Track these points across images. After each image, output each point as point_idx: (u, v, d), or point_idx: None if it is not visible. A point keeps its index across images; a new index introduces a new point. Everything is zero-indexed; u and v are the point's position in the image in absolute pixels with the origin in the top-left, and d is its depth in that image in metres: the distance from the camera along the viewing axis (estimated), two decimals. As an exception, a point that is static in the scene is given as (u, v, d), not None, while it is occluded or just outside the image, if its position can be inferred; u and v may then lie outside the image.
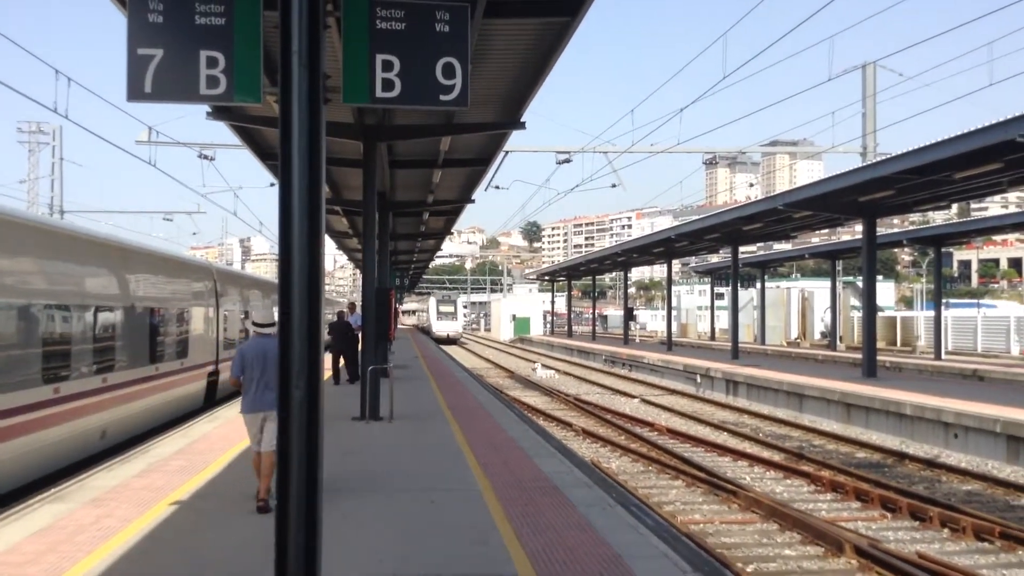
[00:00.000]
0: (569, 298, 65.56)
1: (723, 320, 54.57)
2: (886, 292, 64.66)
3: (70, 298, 10.91)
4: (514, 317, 74.06)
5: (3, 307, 9.11)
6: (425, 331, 69.29)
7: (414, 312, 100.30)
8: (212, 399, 18.58)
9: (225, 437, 11.82)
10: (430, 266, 68.07)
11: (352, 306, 21.53)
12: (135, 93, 4.01)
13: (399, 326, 57.00)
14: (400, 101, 4.06)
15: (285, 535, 3.23)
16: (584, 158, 29.14)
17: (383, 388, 13.79)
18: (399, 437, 11.85)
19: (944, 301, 34.97)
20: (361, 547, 6.31)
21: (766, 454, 14.79)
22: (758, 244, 56.36)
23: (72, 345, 10.84)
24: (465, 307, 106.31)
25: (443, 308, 64.55)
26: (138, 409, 13.61)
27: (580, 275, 62.77)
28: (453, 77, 4.07)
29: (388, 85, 4.02)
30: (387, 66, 4.00)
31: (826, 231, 54.52)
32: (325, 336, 36.40)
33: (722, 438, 16.84)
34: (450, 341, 60.26)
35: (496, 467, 9.57)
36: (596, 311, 66.32)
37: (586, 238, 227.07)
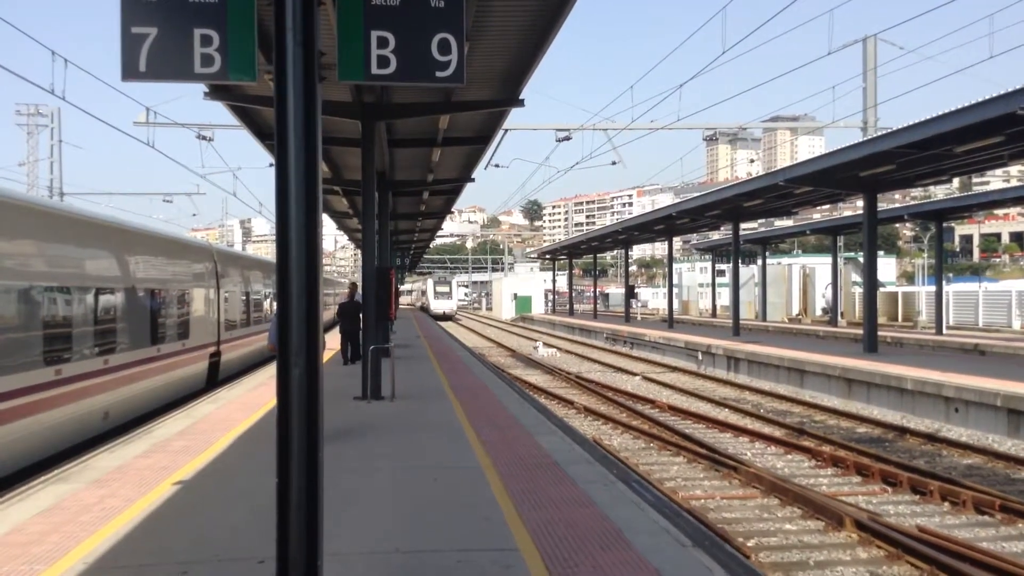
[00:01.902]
0: (570, 277, 65.63)
1: (724, 297, 54.61)
2: (887, 267, 64.65)
3: (71, 280, 10.91)
4: (515, 296, 74.47)
5: (4, 290, 9.11)
6: (424, 309, 74.21)
7: (411, 292, 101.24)
8: (214, 380, 18.63)
9: (227, 418, 11.85)
10: (431, 246, 69.39)
11: (353, 286, 21.38)
12: (130, 72, 3.98)
13: (400, 306, 58.14)
14: (396, 78, 4.03)
15: (286, 513, 3.25)
16: (584, 136, 29.16)
17: (384, 368, 13.82)
18: (400, 416, 11.88)
19: (946, 276, 34.93)
20: (363, 524, 6.34)
21: (767, 430, 14.83)
22: (759, 220, 56.23)
23: (73, 327, 10.85)
24: (466, 287, 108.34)
25: (439, 288, 71.31)
26: (140, 390, 13.65)
27: (581, 253, 62.71)
28: (449, 53, 4.04)
29: (383, 62, 3.99)
30: (382, 42, 3.96)
31: (827, 207, 54.32)
32: (328, 316, 35.98)
33: (723, 414, 16.90)
34: (446, 317, 66.07)
35: (498, 445, 9.60)
36: (597, 289, 66.37)
37: (587, 216, 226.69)
